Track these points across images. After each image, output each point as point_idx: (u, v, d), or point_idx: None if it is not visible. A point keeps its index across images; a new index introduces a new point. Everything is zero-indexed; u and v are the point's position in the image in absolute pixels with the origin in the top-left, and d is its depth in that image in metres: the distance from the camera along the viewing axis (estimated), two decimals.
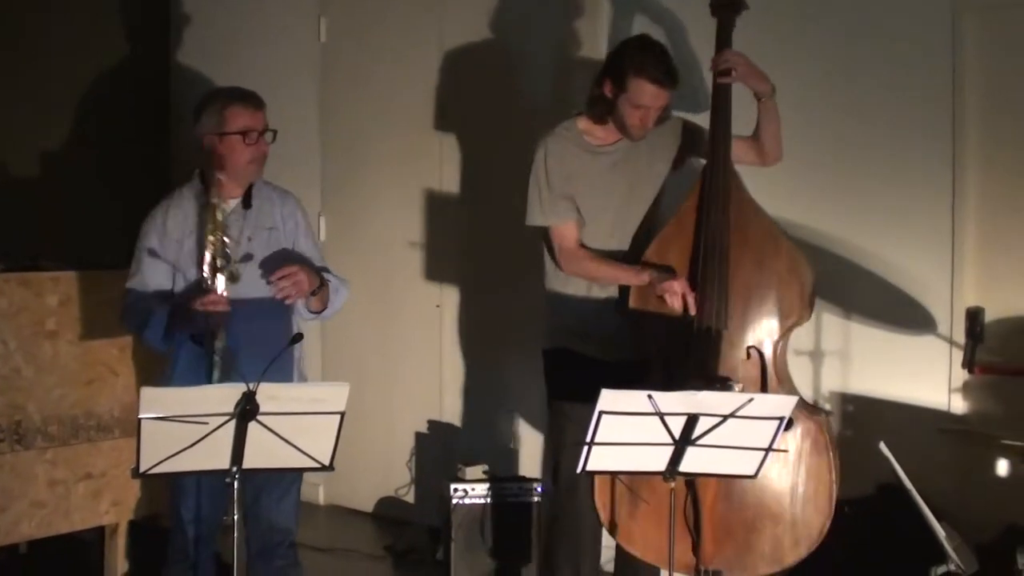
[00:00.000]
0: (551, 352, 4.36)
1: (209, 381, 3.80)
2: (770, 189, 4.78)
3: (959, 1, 4.62)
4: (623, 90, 4.08)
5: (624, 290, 4.17)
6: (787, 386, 4.06)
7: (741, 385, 3.91)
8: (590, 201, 4.23)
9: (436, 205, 5.99)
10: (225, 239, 3.93)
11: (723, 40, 4.17)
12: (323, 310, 4.22)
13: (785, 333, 4.05)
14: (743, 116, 4.23)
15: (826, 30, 4.89)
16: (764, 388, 3.98)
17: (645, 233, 4.27)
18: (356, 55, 6.27)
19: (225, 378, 3.79)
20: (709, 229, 4.02)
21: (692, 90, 4.41)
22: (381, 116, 6.18)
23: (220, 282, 3.90)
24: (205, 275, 3.91)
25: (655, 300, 4.02)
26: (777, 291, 4.03)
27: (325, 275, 4.19)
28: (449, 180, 5.93)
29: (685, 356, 3.98)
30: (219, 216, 3.94)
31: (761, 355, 4.02)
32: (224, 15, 6.83)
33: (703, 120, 4.30)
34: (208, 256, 3.91)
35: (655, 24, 5.10)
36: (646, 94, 4.06)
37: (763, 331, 4.03)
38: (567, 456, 4.07)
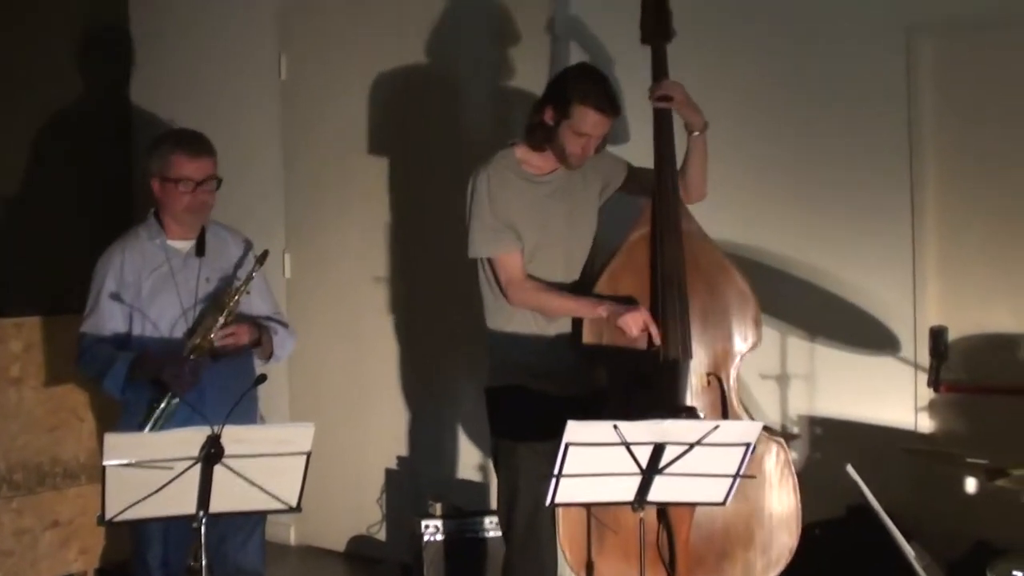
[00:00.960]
0: (500, 390, 4.25)
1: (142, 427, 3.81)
2: (731, 215, 4.82)
3: (913, 25, 4.66)
4: (566, 117, 4.05)
5: (577, 324, 4.12)
6: (746, 411, 4.12)
7: (704, 413, 3.92)
8: (532, 231, 4.16)
9: (399, 239, 5.98)
10: (220, 319, 3.94)
11: (660, 68, 4.19)
12: (269, 358, 4.24)
13: (742, 359, 4.09)
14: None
15: (782, 55, 4.92)
16: (725, 414, 4.01)
17: (590, 264, 4.26)
18: (317, 91, 6.26)
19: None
20: (666, 260, 4.03)
21: (619, 121, 4.44)
22: (343, 152, 6.17)
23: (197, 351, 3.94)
24: (187, 342, 3.96)
25: (611, 333, 4.00)
26: (732, 317, 4.07)
27: (272, 324, 4.21)
28: (410, 213, 5.93)
29: (644, 387, 3.98)
30: (233, 305, 3.96)
31: (720, 381, 4.04)
32: (184, 53, 6.82)
33: (627, 150, 4.30)
34: (198, 336, 3.95)
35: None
36: (589, 122, 4.04)
37: (721, 358, 4.07)
38: (525, 495, 4.05)
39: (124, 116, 6.98)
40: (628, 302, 4.01)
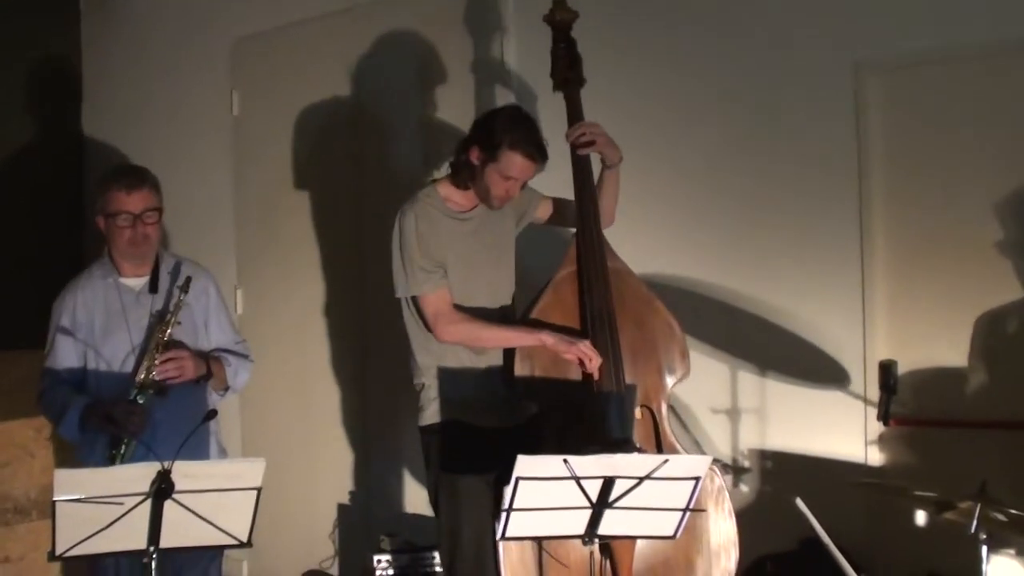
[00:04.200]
0: (434, 427, 4.21)
1: None
2: (682, 251, 4.86)
3: (861, 61, 4.72)
4: (493, 160, 4.06)
5: (508, 357, 4.11)
6: (680, 441, 4.15)
7: (640, 445, 3.96)
8: (458, 267, 4.17)
9: (350, 273, 5.98)
10: (156, 354, 3.94)
11: (576, 113, 4.25)
12: (225, 389, 4.23)
13: (671, 389, 4.14)
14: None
15: (731, 92, 4.97)
16: (658, 445, 4.05)
17: (514, 298, 4.30)
18: (268, 127, 6.27)
19: None
20: (594, 297, 4.06)
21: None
22: (293, 187, 6.18)
23: (143, 398, 3.93)
24: (133, 386, 3.94)
25: (543, 365, 4.01)
26: (659, 350, 4.12)
27: (226, 356, 4.21)
28: (360, 248, 5.93)
29: (579, 420, 3.97)
30: (165, 338, 3.95)
31: (653, 413, 4.08)
32: (136, 88, 6.81)
33: (545, 180, 4.34)
34: (142, 372, 3.94)
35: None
36: (516, 167, 4.06)
37: (652, 390, 4.11)
38: (468, 530, 4.04)
39: (75, 150, 6.95)
40: (569, 333, 4.02)
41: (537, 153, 4.07)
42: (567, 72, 4.28)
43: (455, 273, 4.16)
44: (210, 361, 4.14)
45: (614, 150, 4.21)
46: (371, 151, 5.89)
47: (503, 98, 5.28)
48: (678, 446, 4.08)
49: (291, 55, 6.17)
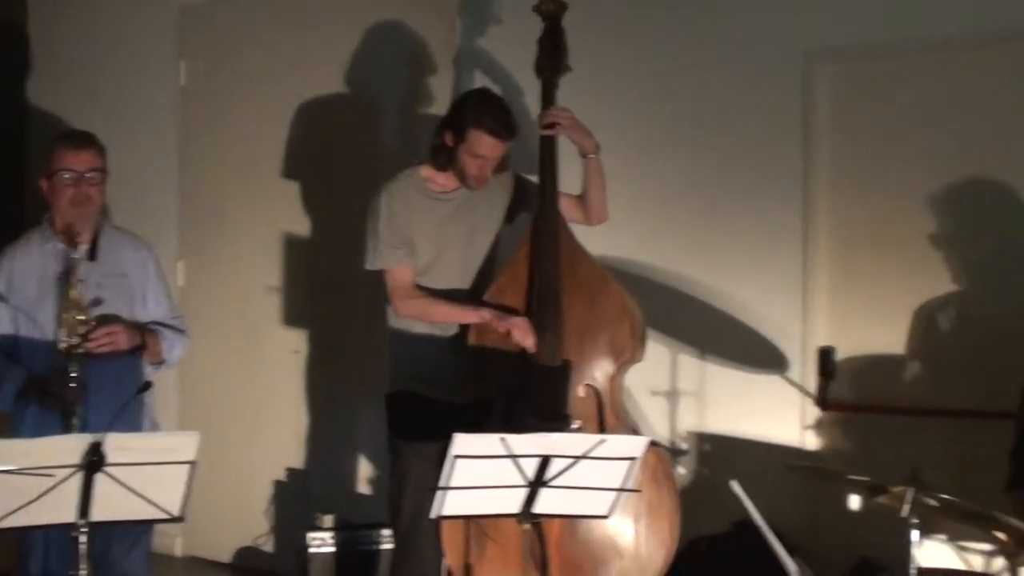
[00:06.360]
0: (395, 395, 4.37)
1: None
2: (625, 233, 4.86)
3: (810, 51, 4.75)
4: (463, 140, 4.18)
5: (465, 327, 4.23)
6: (624, 421, 4.16)
7: (579, 423, 3.99)
8: (432, 246, 4.28)
9: (295, 250, 5.95)
10: (80, 317, 3.86)
11: (548, 99, 4.30)
12: (160, 362, 4.19)
13: (619, 370, 4.14)
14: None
15: (680, 78, 4.99)
16: (601, 424, 4.07)
17: (484, 280, 4.34)
18: (215, 99, 6.22)
19: None
20: (541, 275, 4.14)
21: (529, 150, 4.50)
22: (240, 160, 6.13)
23: (75, 368, 3.85)
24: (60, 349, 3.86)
25: (493, 338, 4.11)
26: (609, 330, 4.13)
27: (162, 329, 4.17)
28: (307, 225, 5.90)
29: (523, 395, 4.06)
30: (74, 295, 3.88)
31: (597, 392, 4.10)
32: (82, 57, 6.73)
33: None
34: (64, 335, 3.86)
35: (495, 84, 5.17)
36: (484, 145, 4.16)
37: (598, 369, 4.13)
38: (410, 500, 4.14)
39: (19, 119, 6.87)
40: (511, 311, 4.13)
41: (503, 130, 4.17)
42: (547, 60, 4.33)
43: (424, 251, 4.27)
44: (145, 334, 4.10)
45: (585, 137, 4.25)
46: (319, 127, 5.86)
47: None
48: (620, 428, 4.08)
49: (240, 25, 6.12)
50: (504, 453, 3.20)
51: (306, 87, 5.87)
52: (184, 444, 3.22)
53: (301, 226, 5.93)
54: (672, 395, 4.94)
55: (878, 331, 4.69)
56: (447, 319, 4.26)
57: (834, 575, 4.45)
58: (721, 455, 4.87)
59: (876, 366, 4.68)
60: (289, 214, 5.94)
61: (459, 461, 3.19)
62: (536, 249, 4.18)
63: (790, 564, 3.33)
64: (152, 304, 4.21)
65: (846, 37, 4.70)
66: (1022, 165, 4.44)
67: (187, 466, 3.22)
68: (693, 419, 4.94)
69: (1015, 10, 4.40)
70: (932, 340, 4.60)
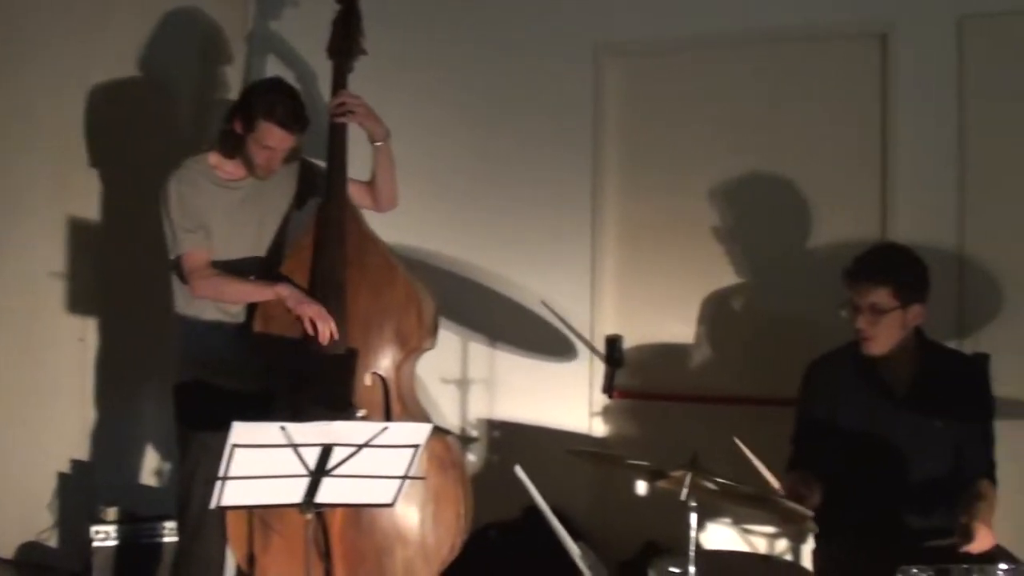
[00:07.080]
0: (181, 386, 4.28)
1: None
2: (416, 220, 4.86)
3: (601, 44, 4.83)
4: (252, 130, 4.10)
5: (250, 315, 4.18)
6: (412, 410, 4.14)
7: (365, 411, 3.96)
8: (222, 233, 4.20)
9: (81, 235, 5.78)
10: None
11: (339, 83, 4.27)
12: None
13: (407, 358, 4.12)
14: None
15: (473, 65, 5.03)
16: (388, 413, 4.05)
17: (271, 268, 4.28)
18: (2, 80, 5.99)
19: None
20: (324, 263, 4.11)
21: (322, 134, 4.46)
22: (25, 143, 5.91)
23: None
24: None
25: (278, 325, 4.07)
26: (395, 319, 4.11)
27: None
28: (94, 210, 5.73)
29: (307, 383, 4.01)
30: None
31: (384, 381, 4.08)
32: None
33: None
34: None
35: (289, 69, 5.12)
36: (273, 136, 4.09)
37: (384, 357, 4.10)
38: (197, 491, 4.04)
39: None
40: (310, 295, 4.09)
41: (293, 123, 4.09)
42: (340, 42, 4.29)
43: (218, 235, 4.19)
44: None
45: (377, 124, 4.22)
46: (111, 111, 5.69)
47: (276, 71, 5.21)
48: (407, 417, 4.07)
49: (39, 4, 5.91)
50: (284, 442, 3.17)
51: (96, 68, 5.69)
52: None
53: (89, 211, 5.76)
54: (463, 383, 4.96)
55: (664, 321, 4.79)
56: (244, 297, 4.18)
57: (623, 558, 4.53)
58: (511, 442, 4.92)
59: (661, 355, 4.78)
60: (74, 198, 5.76)
61: (238, 450, 3.15)
62: (321, 235, 4.14)
63: (573, 548, 3.37)
64: None
65: (633, 31, 4.81)
66: (794, 160, 4.59)
67: None
68: (484, 407, 4.98)
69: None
70: (715, 330, 4.72)
